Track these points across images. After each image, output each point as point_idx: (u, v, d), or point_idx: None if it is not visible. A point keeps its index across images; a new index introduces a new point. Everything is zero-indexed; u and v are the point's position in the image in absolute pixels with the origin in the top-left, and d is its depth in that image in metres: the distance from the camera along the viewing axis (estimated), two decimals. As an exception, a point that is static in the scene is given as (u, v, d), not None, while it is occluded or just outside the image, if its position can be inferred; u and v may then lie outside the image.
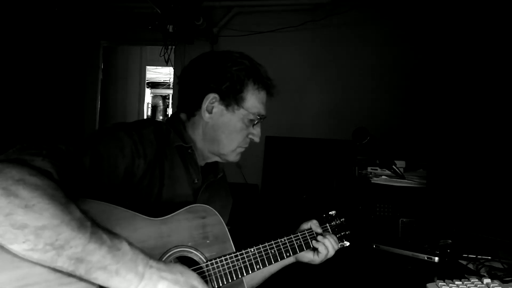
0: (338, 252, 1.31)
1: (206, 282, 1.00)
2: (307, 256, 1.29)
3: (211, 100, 1.18)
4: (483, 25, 2.98)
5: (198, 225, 1.05)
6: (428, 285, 1.27)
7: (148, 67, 6.86)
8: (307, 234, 1.28)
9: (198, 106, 1.19)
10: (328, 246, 1.27)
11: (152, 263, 0.81)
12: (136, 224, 0.94)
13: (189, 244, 1.02)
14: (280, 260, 1.19)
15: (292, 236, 1.25)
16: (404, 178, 2.05)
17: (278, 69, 3.44)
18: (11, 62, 3.48)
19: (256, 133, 1.24)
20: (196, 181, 1.21)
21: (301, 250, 1.25)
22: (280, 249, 1.20)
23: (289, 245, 1.23)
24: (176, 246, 0.99)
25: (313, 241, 1.27)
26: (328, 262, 1.30)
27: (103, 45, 4.13)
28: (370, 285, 1.60)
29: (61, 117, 3.90)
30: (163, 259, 0.95)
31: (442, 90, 3.17)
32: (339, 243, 1.33)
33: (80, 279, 0.74)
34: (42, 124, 3.74)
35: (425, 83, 3.26)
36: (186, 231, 1.03)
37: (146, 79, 7.07)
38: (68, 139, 0.93)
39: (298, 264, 1.33)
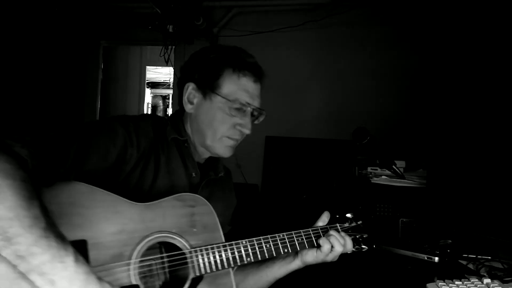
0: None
1: (188, 267, 0.99)
2: (310, 254, 1.20)
3: (190, 90, 1.18)
4: (483, 26, 2.98)
5: (186, 213, 1.04)
6: (428, 285, 1.27)
7: (148, 67, 6.86)
8: (311, 232, 1.21)
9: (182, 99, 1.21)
10: (333, 242, 1.18)
11: (92, 286, 0.78)
12: (118, 206, 0.94)
13: (173, 230, 1.00)
14: (276, 255, 1.13)
15: (293, 232, 1.18)
16: (404, 178, 2.05)
17: (278, 69, 3.47)
18: (11, 62, 3.48)
19: (243, 123, 1.18)
20: (194, 175, 1.20)
21: (303, 247, 1.18)
22: (277, 244, 1.14)
23: (289, 241, 1.16)
24: (159, 232, 0.98)
25: (319, 239, 1.19)
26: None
27: (103, 45, 4.14)
28: (370, 285, 1.60)
29: (61, 117, 3.90)
30: (143, 243, 0.95)
31: (442, 91, 3.17)
32: (355, 246, 1.26)
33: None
34: (42, 124, 3.74)
35: (425, 83, 3.26)
36: (172, 218, 1.01)
37: (146, 79, 7.07)
38: (62, 126, 0.96)
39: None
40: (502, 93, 2.81)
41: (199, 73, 1.18)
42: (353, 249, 1.25)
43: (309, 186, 3.17)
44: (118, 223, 0.93)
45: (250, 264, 1.22)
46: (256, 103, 1.20)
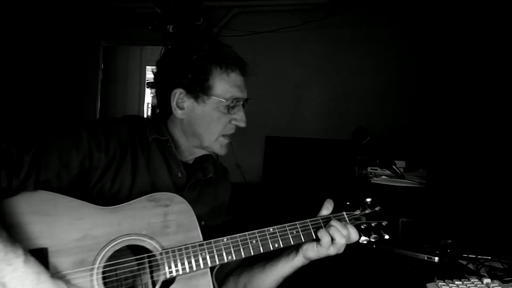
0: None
1: (159, 269, 0.96)
2: (310, 248, 1.11)
3: (179, 95, 1.15)
4: (483, 25, 2.98)
5: (159, 214, 1.00)
6: (428, 285, 1.27)
7: (148, 67, 6.85)
8: (309, 223, 1.10)
9: (169, 105, 1.16)
10: (333, 233, 1.07)
11: (44, 285, 0.80)
12: (83, 212, 0.93)
13: (143, 232, 0.97)
14: (264, 251, 1.04)
15: (286, 225, 1.08)
16: (404, 178, 2.05)
17: (278, 69, 3.47)
18: (11, 62, 3.47)
19: (239, 117, 1.17)
20: (179, 175, 1.17)
21: (298, 241, 1.07)
22: (266, 239, 1.05)
23: (280, 235, 1.06)
24: (128, 235, 0.95)
25: (318, 231, 1.09)
26: (327, 260, 1.15)
27: (103, 45, 4.13)
28: (370, 285, 1.59)
29: (61, 117, 3.89)
30: (109, 247, 0.94)
31: (442, 91, 3.17)
32: (372, 235, 1.13)
33: None
34: (42, 124, 3.74)
35: (425, 83, 3.26)
36: (142, 219, 0.98)
37: (146, 79, 7.06)
38: (22, 133, 0.96)
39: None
40: (502, 93, 2.81)
41: (186, 78, 1.13)
42: (370, 239, 1.14)
43: (309, 186, 3.17)
44: (81, 229, 0.92)
45: (257, 263, 1.21)
46: (245, 94, 1.19)
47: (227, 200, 1.34)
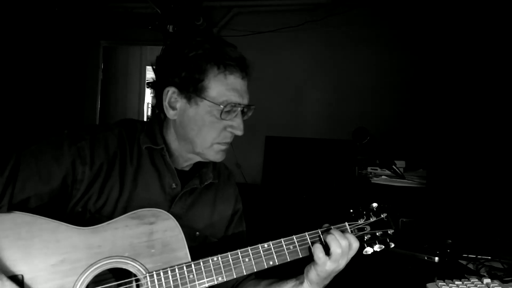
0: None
1: None
2: (311, 269, 1.00)
3: (171, 94, 1.05)
4: (483, 25, 2.98)
5: (142, 233, 0.93)
6: (428, 285, 1.27)
7: (148, 67, 6.85)
8: (307, 236, 1.01)
9: (162, 104, 1.07)
10: (329, 242, 0.98)
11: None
12: (59, 234, 0.88)
13: (126, 254, 0.91)
14: (258, 269, 0.97)
15: (282, 240, 0.99)
16: (404, 178, 2.06)
17: (278, 69, 3.47)
18: (11, 62, 3.47)
19: (235, 125, 1.05)
20: (174, 186, 1.09)
21: (295, 256, 0.99)
22: (260, 256, 0.96)
23: (275, 251, 0.98)
24: (109, 257, 0.90)
25: (313, 245, 0.99)
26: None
27: (103, 45, 4.14)
28: (370, 285, 1.59)
29: (61, 117, 3.90)
30: (88, 272, 0.89)
31: (442, 90, 3.17)
32: (377, 245, 1.05)
33: None
34: (42, 124, 3.74)
35: (425, 83, 3.26)
36: (123, 240, 0.91)
37: (146, 79, 7.06)
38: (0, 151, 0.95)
39: (292, 262, 1.04)
40: (502, 92, 2.81)
41: (179, 76, 1.03)
42: (374, 250, 1.06)
43: (309, 186, 3.17)
44: (59, 253, 0.87)
45: (264, 279, 1.13)
46: (245, 100, 1.07)
47: (232, 209, 1.25)
